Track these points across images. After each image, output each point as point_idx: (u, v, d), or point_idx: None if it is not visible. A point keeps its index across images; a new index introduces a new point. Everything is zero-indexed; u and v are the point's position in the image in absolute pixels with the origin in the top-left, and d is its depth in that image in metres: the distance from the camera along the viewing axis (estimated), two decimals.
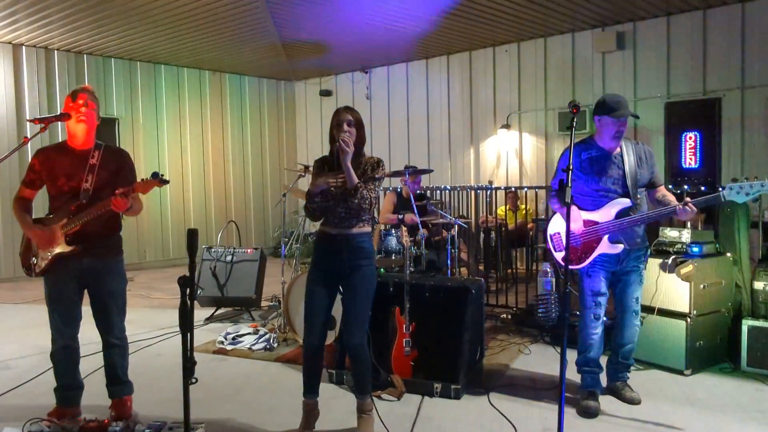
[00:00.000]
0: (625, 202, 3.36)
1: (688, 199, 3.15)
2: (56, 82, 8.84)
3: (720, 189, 3.07)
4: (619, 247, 3.38)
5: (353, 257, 3.08)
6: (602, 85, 8.14)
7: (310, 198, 3.12)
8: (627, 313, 3.57)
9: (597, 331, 3.54)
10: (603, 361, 3.69)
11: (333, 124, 3.11)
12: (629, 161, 3.42)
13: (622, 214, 3.36)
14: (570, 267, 3.44)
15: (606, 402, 3.62)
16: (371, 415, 3.21)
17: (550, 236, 3.71)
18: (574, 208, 3.40)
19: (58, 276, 3.18)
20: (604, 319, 4.30)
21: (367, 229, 3.16)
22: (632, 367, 3.78)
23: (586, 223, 3.44)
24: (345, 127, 3.05)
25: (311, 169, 3.39)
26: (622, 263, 3.48)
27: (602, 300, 3.52)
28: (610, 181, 3.42)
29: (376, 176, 3.12)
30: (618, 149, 3.46)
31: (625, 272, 3.51)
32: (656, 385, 3.86)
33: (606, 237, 3.39)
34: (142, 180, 3.07)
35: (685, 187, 5.42)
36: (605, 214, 3.39)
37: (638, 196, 3.41)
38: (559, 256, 3.65)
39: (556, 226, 3.68)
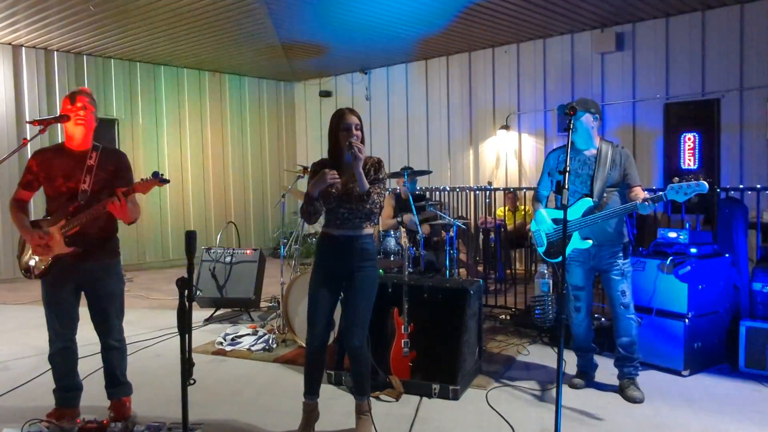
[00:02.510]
0: (587, 201, 3.57)
1: (646, 195, 3.39)
2: (56, 83, 8.86)
3: (664, 192, 3.31)
4: (588, 243, 3.59)
5: (357, 259, 3.07)
6: (601, 86, 8.15)
7: (309, 200, 3.03)
8: (616, 306, 3.69)
9: (579, 321, 3.85)
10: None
11: (339, 127, 3.06)
12: (601, 163, 3.61)
13: (588, 212, 3.57)
14: (549, 260, 3.87)
15: (604, 402, 3.63)
16: (370, 416, 3.21)
17: (532, 233, 3.98)
18: (542, 210, 3.81)
19: (55, 278, 3.18)
20: (600, 317, 4.39)
21: (370, 230, 3.15)
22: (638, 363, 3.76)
23: (556, 221, 3.71)
24: (354, 130, 3.04)
25: (309, 170, 3.38)
26: (596, 259, 3.68)
27: (581, 294, 3.80)
28: (578, 181, 3.65)
29: (380, 177, 3.12)
30: (594, 151, 3.67)
31: (605, 268, 3.68)
32: (654, 385, 3.86)
33: (575, 233, 3.61)
34: (142, 180, 3.08)
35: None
36: (572, 212, 3.59)
37: (605, 195, 3.60)
38: (540, 250, 3.95)
39: (533, 225, 3.96)
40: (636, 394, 3.61)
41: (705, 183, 3.16)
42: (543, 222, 3.79)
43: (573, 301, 3.83)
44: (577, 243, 3.64)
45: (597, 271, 3.76)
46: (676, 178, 3.26)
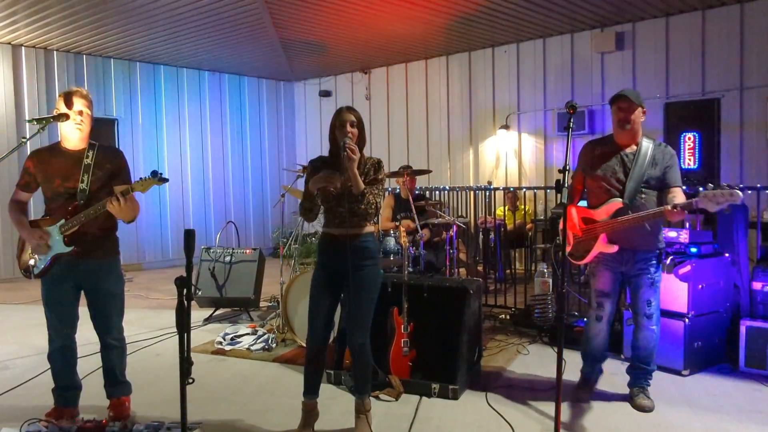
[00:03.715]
0: (617, 201, 3.33)
1: (677, 203, 3.15)
2: (55, 82, 8.86)
3: (695, 198, 3.06)
4: (614, 248, 3.35)
5: (357, 258, 3.06)
6: (601, 86, 8.15)
7: (308, 195, 3.07)
8: (639, 316, 3.49)
9: (597, 330, 3.58)
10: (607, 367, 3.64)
11: (336, 124, 3.07)
12: (640, 161, 3.33)
13: (618, 214, 3.32)
14: (575, 262, 3.61)
15: (604, 402, 3.62)
16: (370, 415, 3.21)
17: (560, 231, 3.71)
18: (571, 208, 3.49)
19: (55, 277, 3.18)
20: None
21: (371, 228, 3.15)
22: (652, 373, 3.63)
23: (587, 221, 3.45)
24: (348, 127, 3.04)
25: (307, 167, 3.37)
26: (628, 264, 3.43)
27: (606, 301, 3.51)
28: (614, 179, 3.38)
29: (379, 177, 3.11)
30: (633, 147, 3.39)
31: (635, 274, 3.44)
32: (654, 385, 3.83)
33: (602, 236, 3.38)
34: (141, 179, 3.07)
35: (684, 187, 5.42)
36: (602, 213, 3.39)
37: (643, 196, 3.33)
38: (567, 251, 3.63)
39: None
40: (646, 403, 3.47)
41: (739, 192, 2.92)
42: (570, 221, 3.53)
43: (596, 308, 3.55)
44: (603, 247, 3.40)
45: (625, 276, 3.50)
46: (710, 185, 3.05)
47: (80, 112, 3.16)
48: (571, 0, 6.94)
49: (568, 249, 3.62)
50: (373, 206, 3.03)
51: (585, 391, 3.71)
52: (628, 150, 3.40)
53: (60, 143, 3.25)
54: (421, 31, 8.21)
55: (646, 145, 3.38)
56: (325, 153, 3.24)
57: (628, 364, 3.71)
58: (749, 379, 3.96)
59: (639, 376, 3.60)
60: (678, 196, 3.29)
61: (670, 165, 3.35)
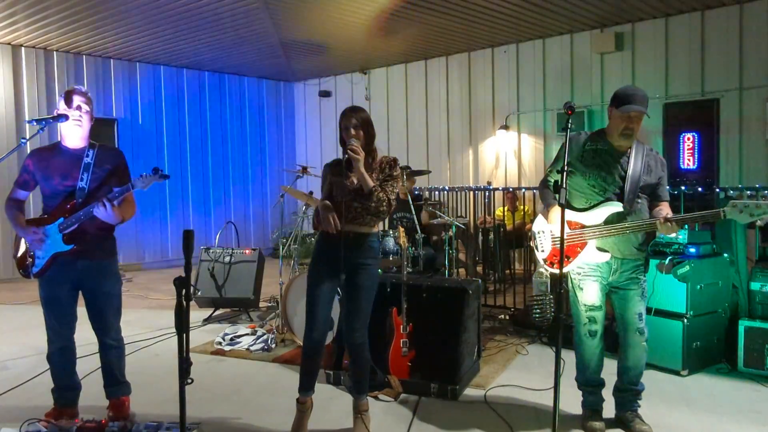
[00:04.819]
0: (617, 206, 3.04)
1: (669, 214, 2.89)
2: (55, 83, 8.86)
3: (723, 209, 2.76)
4: (606, 256, 3.08)
5: (361, 255, 3.08)
6: (601, 86, 8.16)
7: (317, 215, 3.10)
8: (629, 332, 3.18)
9: (593, 349, 3.25)
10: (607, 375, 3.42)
11: (341, 127, 3.10)
12: (635, 165, 3.08)
13: (611, 219, 3.05)
14: (550, 270, 3.30)
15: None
16: (368, 415, 3.22)
17: (534, 233, 3.41)
18: (557, 209, 2.95)
19: (52, 278, 3.18)
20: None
21: (377, 229, 3.17)
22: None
23: (572, 224, 3.13)
24: (352, 131, 3.05)
25: (309, 170, 3.38)
26: (616, 274, 3.14)
27: (598, 315, 3.18)
28: (609, 179, 3.09)
29: (393, 174, 3.11)
30: (627, 150, 3.12)
31: (623, 286, 3.16)
32: (653, 385, 3.84)
33: (591, 243, 3.10)
34: (142, 176, 3.07)
35: (683, 188, 5.43)
36: (594, 217, 3.09)
37: (638, 201, 3.09)
38: (540, 256, 3.34)
39: (540, 224, 3.36)
40: (645, 428, 3.15)
41: None
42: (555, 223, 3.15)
43: (587, 324, 3.19)
44: (591, 255, 3.11)
45: (614, 288, 3.20)
46: (748, 192, 2.77)
47: (78, 107, 3.14)
48: (570, 0, 6.95)
49: (542, 255, 3.35)
50: (384, 203, 3.03)
51: (600, 422, 3.25)
52: (621, 151, 3.13)
53: (60, 142, 3.25)
54: (421, 31, 8.22)
55: (637, 148, 3.12)
56: (324, 153, 3.25)
57: (613, 388, 3.36)
58: (748, 379, 3.97)
59: (629, 400, 3.27)
60: (664, 209, 3.04)
61: (662, 176, 3.15)
